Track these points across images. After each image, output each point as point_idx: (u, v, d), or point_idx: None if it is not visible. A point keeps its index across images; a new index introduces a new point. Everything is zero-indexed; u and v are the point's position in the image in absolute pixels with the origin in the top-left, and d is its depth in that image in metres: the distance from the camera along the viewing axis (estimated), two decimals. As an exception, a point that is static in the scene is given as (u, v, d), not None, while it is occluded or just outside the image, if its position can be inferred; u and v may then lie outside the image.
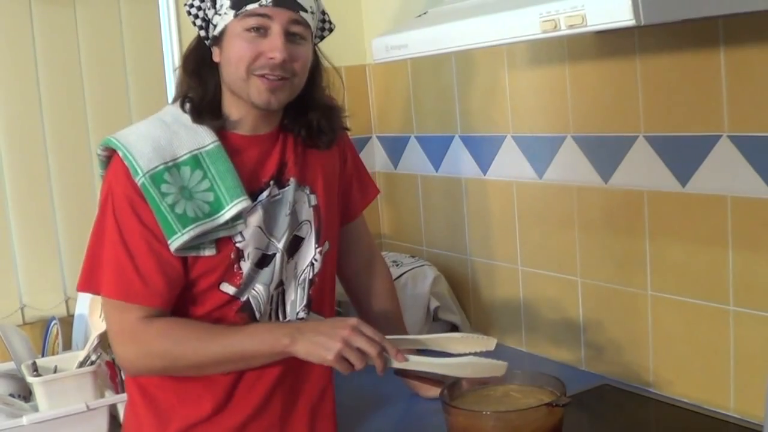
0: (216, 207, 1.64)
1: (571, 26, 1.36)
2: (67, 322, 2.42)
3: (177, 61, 2.59)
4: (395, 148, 2.84)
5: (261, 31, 1.62)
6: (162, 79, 2.63)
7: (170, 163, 1.64)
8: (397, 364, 1.68)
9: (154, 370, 1.68)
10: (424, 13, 1.96)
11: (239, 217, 1.66)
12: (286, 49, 1.62)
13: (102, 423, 2.05)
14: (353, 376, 2.02)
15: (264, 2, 1.61)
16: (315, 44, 1.75)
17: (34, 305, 2.48)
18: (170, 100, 2.58)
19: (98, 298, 2.14)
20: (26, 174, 2.47)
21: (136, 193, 1.62)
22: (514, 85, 2.32)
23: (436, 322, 2.50)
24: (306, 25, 1.66)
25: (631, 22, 1.27)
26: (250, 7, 1.61)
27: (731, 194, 1.79)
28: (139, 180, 1.61)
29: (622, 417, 1.99)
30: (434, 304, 2.49)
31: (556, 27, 1.39)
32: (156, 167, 1.62)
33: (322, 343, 1.62)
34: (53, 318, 2.38)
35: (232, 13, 1.62)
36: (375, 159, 2.92)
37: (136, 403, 1.78)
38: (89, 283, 1.69)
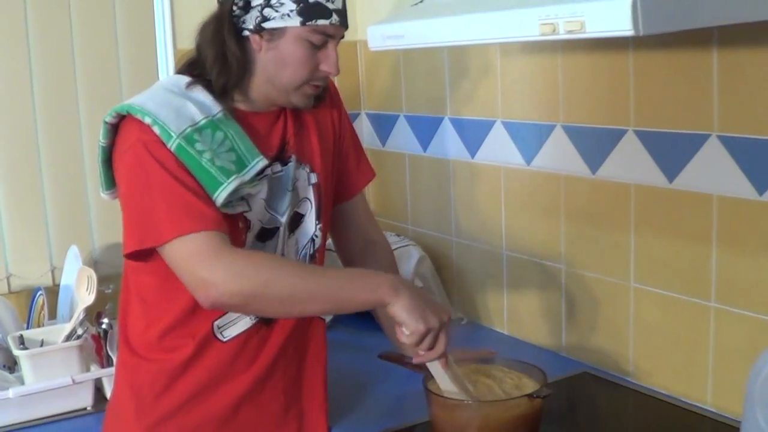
0: (240, 165, 1.65)
1: (569, 31, 1.36)
2: (53, 291, 2.43)
3: (169, 39, 2.60)
4: (384, 125, 2.85)
5: (321, 44, 1.68)
6: (153, 54, 2.63)
7: (194, 126, 1.64)
8: (433, 366, 1.70)
9: (240, 294, 1.57)
10: (420, 1, 1.95)
11: (256, 176, 1.68)
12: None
13: (87, 396, 2.07)
14: (343, 356, 2.04)
15: (334, 21, 1.65)
16: None
17: (20, 274, 2.49)
18: (161, 75, 2.59)
19: (86, 270, 2.17)
20: (14, 142, 2.46)
21: (170, 156, 1.61)
22: (505, 71, 2.32)
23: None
24: None
25: (630, 33, 1.28)
26: (321, 23, 1.64)
27: (717, 193, 1.81)
28: (173, 143, 1.60)
29: (600, 405, 2.03)
30: (417, 284, 2.51)
31: (554, 31, 1.39)
32: (185, 129, 1.62)
33: (422, 312, 1.61)
34: (39, 288, 2.39)
35: (298, 20, 1.63)
36: (363, 135, 2.91)
37: (120, 387, 1.81)
38: (144, 237, 1.61)
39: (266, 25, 1.65)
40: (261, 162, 1.67)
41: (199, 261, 1.57)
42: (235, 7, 1.66)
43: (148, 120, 1.62)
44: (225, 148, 1.66)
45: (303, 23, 1.64)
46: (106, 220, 2.54)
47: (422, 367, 1.80)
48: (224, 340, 1.75)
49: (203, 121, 1.66)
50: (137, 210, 1.63)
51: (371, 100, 2.91)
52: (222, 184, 1.62)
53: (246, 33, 1.67)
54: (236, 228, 1.69)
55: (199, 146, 1.62)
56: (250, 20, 1.66)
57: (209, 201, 1.62)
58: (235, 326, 1.75)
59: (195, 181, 1.62)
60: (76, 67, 2.51)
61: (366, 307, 1.66)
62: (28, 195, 2.49)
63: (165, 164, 1.61)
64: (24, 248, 2.50)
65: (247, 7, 1.66)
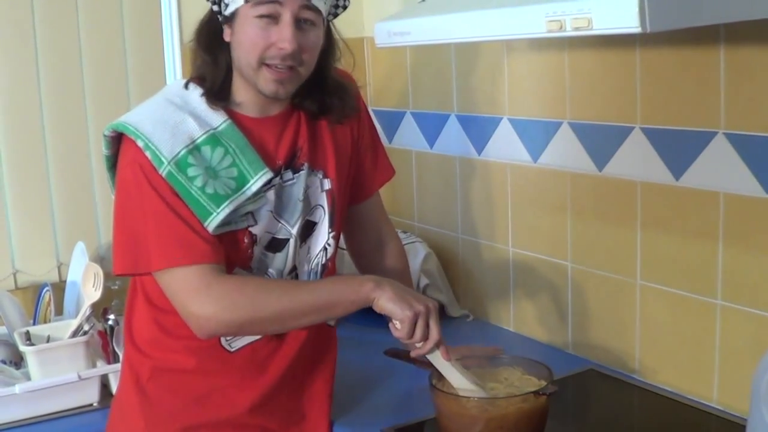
0: (241, 181, 1.65)
1: (576, 28, 1.36)
2: (59, 288, 2.43)
3: (176, 34, 2.61)
4: (390, 122, 2.84)
5: (272, 18, 1.60)
6: (160, 49, 2.63)
7: (191, 146, 1.62)
8: (437, 360, 1.71)
9: (234, 324, 1.63)
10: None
11: (260, 190, 1.67)
12: (296, 39, 1.60)
13: (93, 392, 2.08)
14: (349, 352, 2.04)
15: None
16: (329, 21, 1.73)
17: (27, 271, 2.50)
18: (168, 75, 2.60)
19: (92, 267, 2.18)
20: (20, 139, 2.46)
21: (163, 182, 1.61)
22: (512, 68, 2.32)
23: (424, 298, 2.52)
24: (317, 11, 1.63)
25: (637, 30, 1.28)
26: None
27: (724, 191, 1.81)
28: (164, 170, 1.59)
29: (605, 402, 2.03)
30: (424, 281, 2.50)
31: (561, 27, 1.39)
32: (179, 152, 1.61)
33: (406, 300, 1.64)
34: (46, 285, 2.38)
35: None
36: (369, 132, 2.92)
37: (128, 392, 1.81)
38: (136, 263, 1.63)
39: (226, 12, 1.63)
40: (264, 176, 1.66)
41: (190, 296, 1.60)
42: (212, 3, 1.66)
43: (140, 143, 1.61)
44: (225, 164, 1.64)
45: (246, 0, 1.60)
46: (112, 217, 2.53)
47: (429, 364, 1.80)
48: (231, 350, 1.76)
49: (202, 138, 1.64)
50: (129, 233, 1.64)
51: (378, 96, 2.90)
52: (212, 213, 1.61)
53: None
54: (241, 244, 1.69)
55: (191, 171, 1.61)
56: (222, 14, 1.65)
57: (203, 230, 1.61)
58: (244, 337, 1.75)
59: (189, 209, 1.61)
60: (83, 63, 2.52)
61: (354, 306, 1.67)
62: (35, 191, 2.49)
63: (159, 190, 1.61)
64: (31, 244, 2.50)
65: (220, 1, 1.65)
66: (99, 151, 2.44)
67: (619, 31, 1.32)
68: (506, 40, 2.28)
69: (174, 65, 2.62)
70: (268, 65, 1.63)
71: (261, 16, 1.60)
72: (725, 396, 1.87)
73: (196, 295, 1.60)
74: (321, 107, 1.77)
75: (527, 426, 1.68)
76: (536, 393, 1.68)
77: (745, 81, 1.74)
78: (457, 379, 1.72)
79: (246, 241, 1.69)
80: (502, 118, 2.37)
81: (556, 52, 2.16)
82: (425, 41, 1.81)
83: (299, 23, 1.62)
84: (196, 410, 1.76)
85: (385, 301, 1.64)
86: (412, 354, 1.73)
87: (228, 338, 1.74)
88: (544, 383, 1.73)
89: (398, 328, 1.67)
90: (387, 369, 2.12)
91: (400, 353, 2.00)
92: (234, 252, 1.68)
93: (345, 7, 1.73)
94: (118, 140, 1.68)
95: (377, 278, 1.68)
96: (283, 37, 1.60)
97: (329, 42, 1.75)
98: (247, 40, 1.62)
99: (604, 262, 2.13)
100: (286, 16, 1.60)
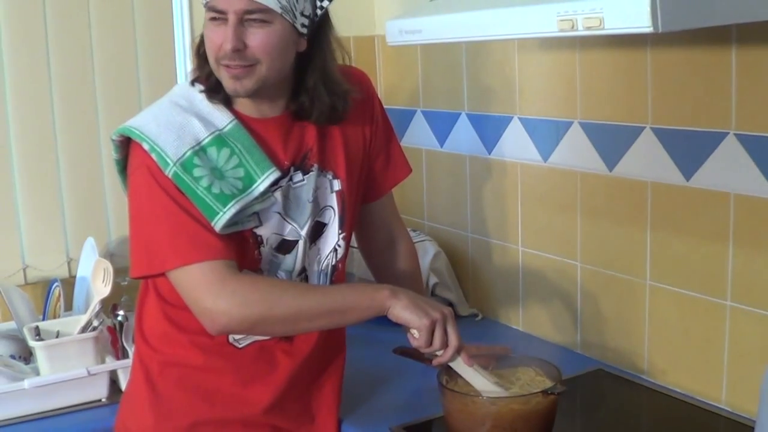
0: (248, 182, 1.65)
1: (588, 28, 1.36)
2: (69, 283, 2.44)
3: (187, 40, 2.63)
4: (401, 121, 2.84)
5: (221, 20, 1.61)
6: (171, 47, 2.64)
7: (196, 147, 1.63)
8: (459, 366, 1.71)
9: (246, 321, 1.62)
10: (436, -2, 1.95)
11: (267, 190, 1.67)
12: (236, 38, 1.59)
13: (102, 388, 2.08)
14: (358, 350, 2.04)
15: None
16: (314, 20, 1.68)
17: (37, 266, 2.51)
18: (179, 74, 2.61)
19: (102, 263, 2.18)
20: (31, 134, 2.47)
21: (171, 183, 1.62)
22: (523, 67, 2.32)
23: (433, 298, 2.52)
24: (264, 10, 1.60)
25: (649, 30, 1.28)
26: (209, 2, 1.62)
27: (734, 192, 1.80)
28: (170, 171, 1.61)
29: (614, 403, 2.03)
30: (433, 280, 2.51)
31: (573, 27, 1.39)
32: (184, 154, 1.62)
33: (422, 308, 1.64)
34: (55, 280, 2.40)
35: (204, 1, 1.64)
36: (379, 130, 2.91)
37: (139, 386, 1.81)
38: (151, 264, 1.64)
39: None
40: (272, 175, 1.66)
41: (204, 291, 1.60)
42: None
43: (146, 146, 1.63)
44: (232, 164, 1.65)
45: (204, 6, 1.63)
46: (122, 213, 2.50)
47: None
48: (239, 347, 1.76)
49: (207, 139, 1.65)
50: (143, 235, 1.65)
51: (388, 95, 2.90)
52: (218, 213, 1.61)
53: None
54: (246, 244, 1.69)
55: (197, 172, 1.62)
56: None
57: (214, 228, 1.62)
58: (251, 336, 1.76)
59: (197, 209, 1.63)
60: (94, 62, 2.52)
61: (368, 314, 1.67)
62: (45, 187, 2.50)
63: (168, 191, 1.62)
64: (40, 240, 2.51)
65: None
66: (109, 146, 2.45)
67: (631, 30, 1.32)
68: (517, 39, 2.28)
69: (185, 65, 2.63)
70: (223, 65, 1.63)
71: (213, 19, 1.63)
72: (734, 397, 1.87)
73: (210, 289, 1.60)
74: (298, 110, 1.74)
75: (536, 425, 1.68)
76: (545, 392, 1.68)
77: (757, 82, 1.73)
78: (481, 383, 1.72)
79: (251, 241, 1.70)
80: (512, 117, 2.37)
81: (567, 51, 2.16)
82: (436, 40, 1.82)
83: (248, 22, 1.61)
84: (205, 406, 1.76)
85: (401, 310, 1.63)
86: (434, 363, 1.71)
87: (237, 338, 1.75)
88: (552, 383, 1.73)
89: (416, 337, 1.66)
90: (396, 367, 2.12)
91: (409, 351, 1.99)
92: (242, 253, 1.68)
93: (322, 8, 1.69)
94: (127, 144, 1.69)
95: (393, 287, 1.68)
96: (225, 37, 1.60)
97: (318, 44, 1.72)
98: (206, 42, 1.66)
99: (614, 263, 2.12)
100: (231, 18, 1.60)
